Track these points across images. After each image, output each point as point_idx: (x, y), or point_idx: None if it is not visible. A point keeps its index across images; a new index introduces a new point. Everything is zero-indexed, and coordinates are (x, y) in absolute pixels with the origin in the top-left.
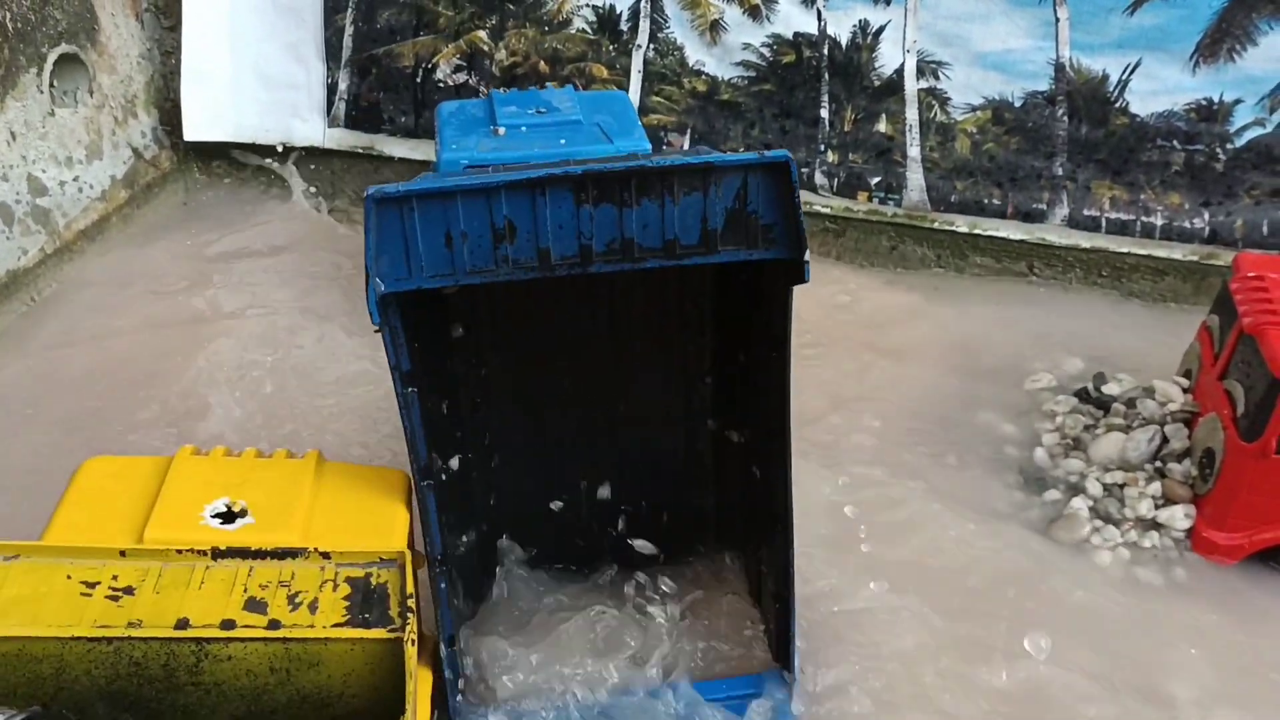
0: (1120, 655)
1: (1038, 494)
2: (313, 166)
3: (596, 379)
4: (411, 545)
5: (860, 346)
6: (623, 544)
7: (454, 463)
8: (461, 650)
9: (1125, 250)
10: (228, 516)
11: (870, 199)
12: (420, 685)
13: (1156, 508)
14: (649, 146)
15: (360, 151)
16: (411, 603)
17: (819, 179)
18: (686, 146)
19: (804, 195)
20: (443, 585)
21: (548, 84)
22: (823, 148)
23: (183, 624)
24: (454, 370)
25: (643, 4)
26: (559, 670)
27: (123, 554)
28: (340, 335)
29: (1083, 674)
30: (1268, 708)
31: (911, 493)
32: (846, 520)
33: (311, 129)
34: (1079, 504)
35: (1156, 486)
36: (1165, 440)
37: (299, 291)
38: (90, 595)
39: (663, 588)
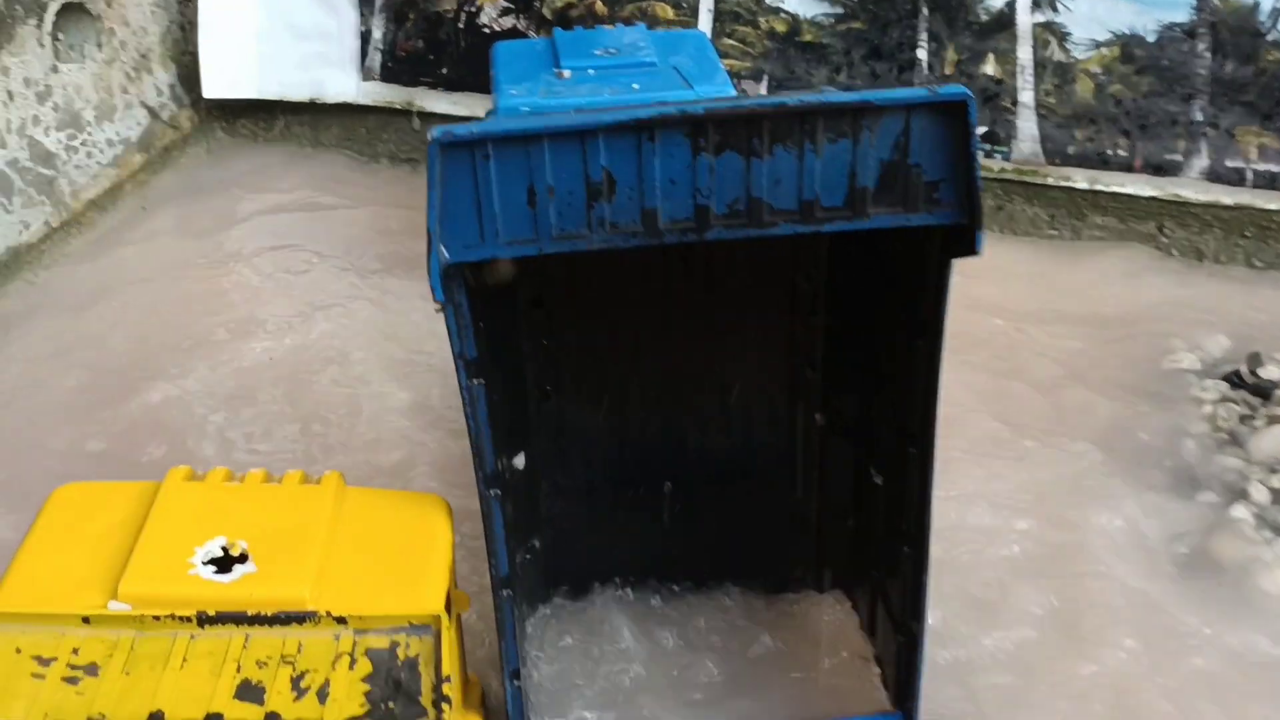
0: None
1: (1189, 496)
2: (347, 124)
3: (686, 364)
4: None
5: (961, 324)
6: (706, 555)
7: (519, 460)
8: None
9: (1274, 207)
10: (224, 563)
11: None
12: None
13: None
14: (735, 94)
15: (398, 107)
16: (448, 688)
17: None
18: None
19: None
20: (509, 611)
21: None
22: None
23: (155, 719)
24: (521, 352)
25: None
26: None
27: (86, 620)
28: (409, 320)
29: None
30: None
31: (1039, 487)
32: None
33: (344, 83)
34: (1241, 512)
35: None
36: None
37: (344, 270)
38: (43, 677)
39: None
